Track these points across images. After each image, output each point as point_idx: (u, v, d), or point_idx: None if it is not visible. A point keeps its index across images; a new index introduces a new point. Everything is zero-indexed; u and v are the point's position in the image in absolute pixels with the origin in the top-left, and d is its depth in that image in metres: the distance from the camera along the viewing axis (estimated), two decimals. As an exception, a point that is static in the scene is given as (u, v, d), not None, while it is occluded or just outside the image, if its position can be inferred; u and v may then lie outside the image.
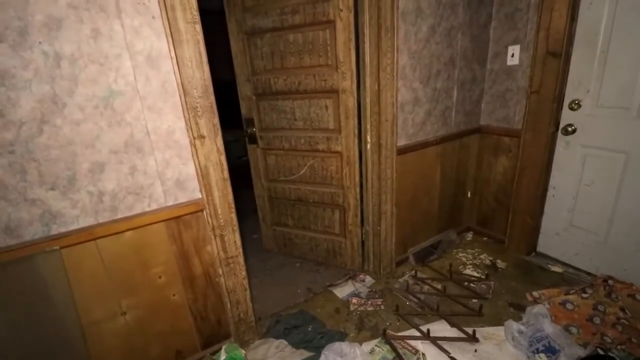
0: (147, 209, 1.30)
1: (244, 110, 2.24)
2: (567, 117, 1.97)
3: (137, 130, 1.21)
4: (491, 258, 2.31)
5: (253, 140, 2.28)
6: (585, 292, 1.74)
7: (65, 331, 1.23)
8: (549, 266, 2.18)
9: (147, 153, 1.25)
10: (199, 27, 1.20)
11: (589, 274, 2.04)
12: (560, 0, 1.79)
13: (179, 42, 1.18)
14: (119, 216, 1.26)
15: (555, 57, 1.87)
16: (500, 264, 2.24)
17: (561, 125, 2.00)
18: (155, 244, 1.35)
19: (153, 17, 1.14)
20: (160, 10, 1.14)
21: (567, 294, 1.77)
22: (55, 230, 1.16)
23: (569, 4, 1.77)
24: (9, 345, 1.14)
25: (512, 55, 2.11)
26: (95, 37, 1.07)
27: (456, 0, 1.94)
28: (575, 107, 1.91)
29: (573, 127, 1.94)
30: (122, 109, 1.17)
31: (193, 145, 1.31)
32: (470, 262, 2.29)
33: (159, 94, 1.21)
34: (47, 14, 1.00)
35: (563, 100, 1.96)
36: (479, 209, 2.57)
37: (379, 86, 1.79)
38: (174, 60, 1.20)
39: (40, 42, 1.01)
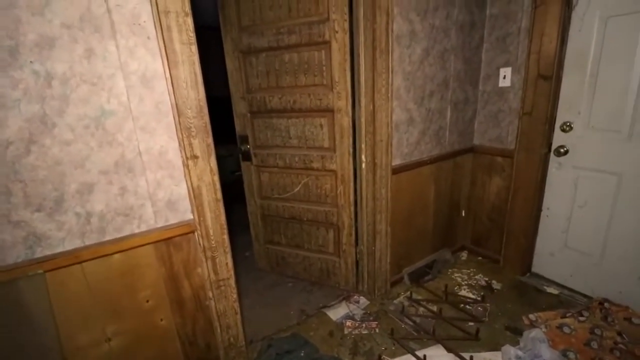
0: (137, 231, 1.26)
1: (238, 128, 2.23)
2: (559, 138, 1.99)
3: (129, 151, 1.18)
4: (486, 279, 2.29)
5: (247, 157, 2.27)
6: (581, 315, 1.72)
7: (45, 357, 1.17)
8: (545, 287, 2.16)
9: (139, 173, 1.22)
10: (194, 48, 1.20)
11: (584, 296, 2.02)
12: (550, 25, 1.83)
13: (174, 62, 1.17)
14: (107, 238, 1.21)
15: (546, 80, 1.91)
16: (495, 284, 2.22)
17: (553, 147, 2.02)
18: (144, 267, 1.31)
19: (148, 38, 1.14)
20: (156, 31, 1.13)
21: (563, 317, 1.75)
22: (40, 253, 1.11)
23: (558, 29, 1.82)
24: (-17, 376, 1.08)
25: (504, 77, 2.14)
26: (88, 57, 1.06)
27: (449, 24, 1.98)
28: (567, 129, 1.94)
29: (565, 149, 1.97)
30: (114, 129, 1.14)
31: (186, 165, 1.28)
32: (466, 282, 2.27)
33: (152, 114, 1.19)
34: (39, 33, 0.99)
35: (555, 122, 1.99)
36: (474, 228, 2.56)
37: (373, 106, 1.80)
38: (169, 80, 1.18)
39: (31, 62, 0.99)
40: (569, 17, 1.82)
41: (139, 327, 1.35)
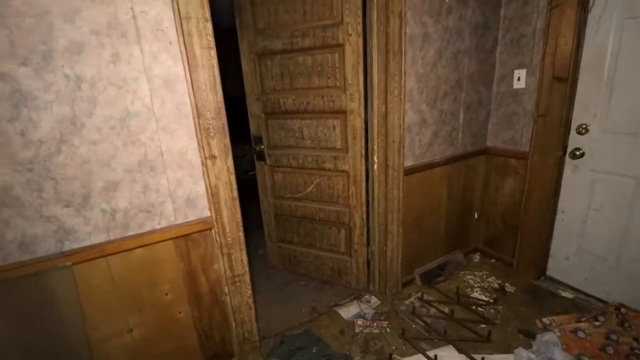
0: (157, 227, 1.32)
1: (253, 128, 2.29)
2: (574, 141, 1.97)
3: (151, 150, 1.24)
4: (499, 281, 2.27)
5: (261, 157, 2.31)
6: (597, 320, 1.70)
7: (73, 346, 1.24)
8: (559, 291, 2.14)
9: (160, 172, 1.28)
10: (213, 52, 1.25)
11: (600, 300, 1.99)
12: (566, 27, 1.82)
13: (194, 66, 1.23)
14: (130, 233, 1.28)
15: (562, 82, 1.89)
16: (509, 287, 2.20)
17: (569, 149, 2.00)
18: (164, 262, 1.37)
19: (170, 43, 1.19)
20: (178, 37, 1.19)
21: (578, 321, 1.73)
22: (68, 246, 1.18)
23: (574, 31, 1.80)
24: (16, 358, 1.15)
25: (519, 79, 2.13)
26: (115, 61, 1.12)
27: (462, 26, 1.99)
28: (583, 131, 1.92)
29: (581, 151, 1.94)
30: (138, 130, 1.20)
31: (204, 165, 1.34)
32: (478, 285, 2.26)
33: (173, 116, 1.25)
34: (70, 39, 1.05)
35: (570, 124, 1.97)
36: (487, 230, 2.55)
37: (386, 108, 1.82)
38: (189, 83, 1.24)
39: (62, 66, 1.06)
40: (585, 19, 1.80)
41: (159, 319, 1.41)
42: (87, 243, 1.21)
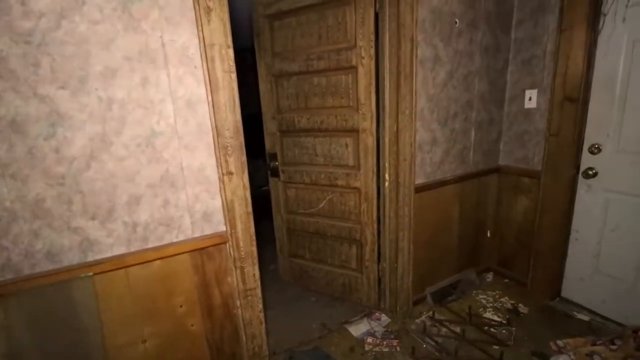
0: (175, 240, 1.38)
1: (268, 145, 2.36)
2: (587, 160, 1.97)
3: (173, 167, 1.31)
4: (513, 302, 2.24)
5: (275, 173, 2.38)
6: (613, 344, 1.65)
7: (90, 355, 1.28)
8: (575, 313, 2.09)
9: (180, 188, 1.34)
10: (234, 76, 1.33)
11: (617, 323, 1.94)
12: (576, 48, 1.85)
13: (216, 88, 1.31)
14: (149, 246, 1.33)
15: (573, 102, 1.91)
16: (522, 308, 2.17)
17: (582, 169, 1.99)
18: (179, 274, 1.41)
19: (195, 67, 1.28)
20: (202, 62, 1.28)
21: (593, 344, 1.69)
22: (91, 257, 1.24)
23: (584, 52, 1.83)
24: (39, 366, 1.20)
25: (530, 99, 2.16)
26: (143, 84, 1.21)
27: (473, 48, 2.04)
28: (595, 151, 1.92)
29: (594, 171, 1.94)
30: (161, 147, 1.28)
31: (222, 181, 1.40)
32: (491, 305, 2.23)
33: (194, 134, 1.32)
34: (105, 64, 1.14)
35: (582, 144, 1.97)
36: (500, 249, 2.53)
37: (397, 127, 1.87)
38: (210, 104, 1.31)
39: (96, 89, 1.15)
40: (595, 40, 1.83)
41: (172, 330, 1.44)
42: (109, 254, 1.28)
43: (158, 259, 1.35)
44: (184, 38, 1.24)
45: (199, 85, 1.29)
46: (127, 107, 1.20)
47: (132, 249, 1.31)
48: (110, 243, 1.27)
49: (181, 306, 1.45)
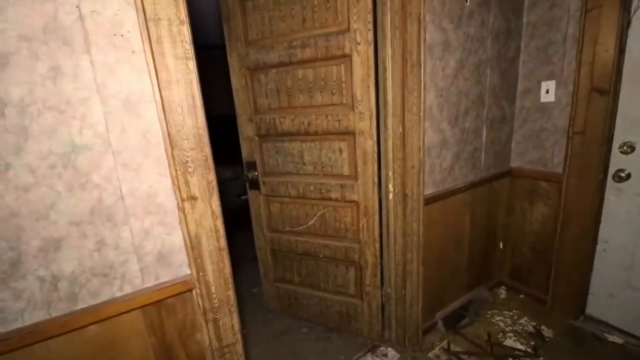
0: (118, 294, 0.99)
1: (245, 153, 1.98)
2: (617, 161, 1.71)
3: (108, 194, 0.93)
4: (534, 323, 1.96)
5: (255, 185, 2.01)
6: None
7: None
8: (605, 335, 1.84)
9: (120, 222, 0.96)
10: (192, 64, 0.96)
11: (658, 347, 1.70)
12: (606, 32, 1.58)
13: (166, 82, 0.93)
14: (80, 306, 0.94)
15: (603, 94, 1.64)
16: (546, 331, 1.89)
17: (611, 171, 1.73)
18: (129, 339, 1.03)
19: (133, 52, 0.90)
20: (143, 43, 0.90)
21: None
22: (-11, 331, 0.85)
23: (616, 36, 1.56)
24: None
25: (547, 92, 1.88)
26: (54, 77, 0.82)
27: (484, 32, 1.74)
28: (628, 150, 1.66)
29: (626, 173, 1.68)
30: (88, 168, 0.89)
31: (181, 209, 1.02)
32: (510, 328, 1.94)
33: (138, 147, 0.94)
34: (-12, 47, 0.75)
35: (612, 143, 1.71)
36: (512, 261, 2.25)
37: (403, 128, 1.54)
38: (159, 104, 0.94)
39: (-24, 85, 0.75)
40: (629, 22, 1.56)
41: (122, 414, 1.06)
42: (19, 324, 0.88)
43: (93, 322, 0.96)
44: (113, 9, 0.85)
45: (140, 77, 0.91)
46: (29, 111, 0.80)
47: (55, 314, 0.92)
48: (20, 308, 0.88)
49: (133, 378, 1.07)
